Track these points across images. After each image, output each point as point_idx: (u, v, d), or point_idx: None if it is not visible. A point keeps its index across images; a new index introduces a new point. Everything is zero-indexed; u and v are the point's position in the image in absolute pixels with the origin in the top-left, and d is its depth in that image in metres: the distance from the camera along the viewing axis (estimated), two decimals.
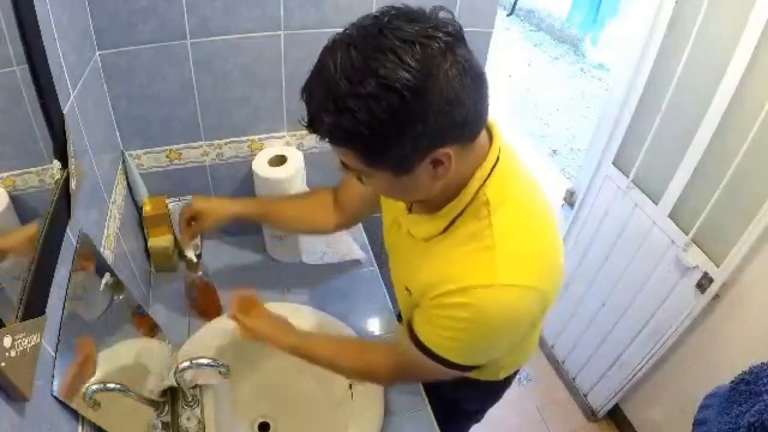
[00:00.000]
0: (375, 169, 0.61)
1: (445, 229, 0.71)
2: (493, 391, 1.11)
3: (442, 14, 0.58)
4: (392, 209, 0.85)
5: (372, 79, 0.52)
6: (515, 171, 0.72)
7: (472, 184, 0.67)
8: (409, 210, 0.79)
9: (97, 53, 0.97)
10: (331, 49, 0.57)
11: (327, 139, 0.59)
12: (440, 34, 0.54)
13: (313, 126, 0.58)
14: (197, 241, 1.29)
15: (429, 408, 1.03)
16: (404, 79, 0.52)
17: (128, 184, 1.16)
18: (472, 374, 0.98)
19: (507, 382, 1.08)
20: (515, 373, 1.07)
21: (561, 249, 0.75)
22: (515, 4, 5.24)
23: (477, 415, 1.22)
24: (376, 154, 0.58)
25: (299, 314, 1.13)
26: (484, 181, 0.67)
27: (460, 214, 0.69)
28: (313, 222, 1.04)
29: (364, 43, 0.54)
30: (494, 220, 0.67)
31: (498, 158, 0.68)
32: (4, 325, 0.46)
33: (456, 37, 0.56)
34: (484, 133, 0.67)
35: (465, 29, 0.60)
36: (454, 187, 0.68)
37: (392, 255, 0.90)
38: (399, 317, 1.14)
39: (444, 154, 0.59)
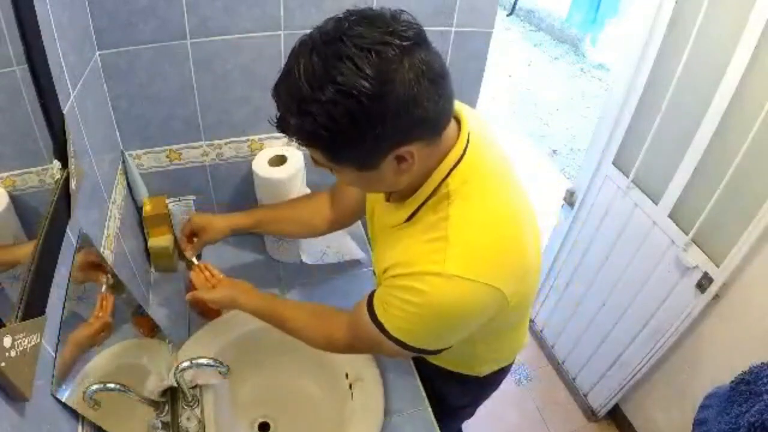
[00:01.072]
0: (340, 166, 0.65)
1: (409, 219, 0.73)
2: (480, 387, 1.10)
3: (404, 17, 0.59)
4: (372, 200, 0.88)
5: (331, 86, 0.55)
6: (485, 166, 0.72)
7: (435, 177, 0.69)
8: (387, 199, 0.81)
9: (97, 53, 0.97)
10: (296, 53, 0.59)
11: (294, 138, 0.62)
12: (397, 40, 0.56)
13: (281, 126, 0.62)
14: None
15: (429, 408, 1.03)
16: (361, 86, 0.54)
17: (128, 184, 1.16)
18: (449, 367, 1.00)
19: (494, 379, 1.08)
20: (502, 371, 1.07)
21: (528, 249, 0.73)
22: (515, 4, 5.23)
23: (466, 410, 1.22)
24: (338, 153, 0.62)
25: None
26: (447, 174, 0.69)
27: (422, 204, 0.71)
28: (309, 225, 1.07)
29: (324, 49, 0.56)
30: (451, 212, 0.68)
31: (465, 151, 0.69)
32: (4, 325, 0.46)
33: (415, 41, 0.57)
34: (453, 126, 0.69)
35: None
36: (422, 178, 0.70)
37: (371, 242, 0.94)
38: None
39: (406, 151, 0.62)
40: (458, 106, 0.70)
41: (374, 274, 0.91)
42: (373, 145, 0.60)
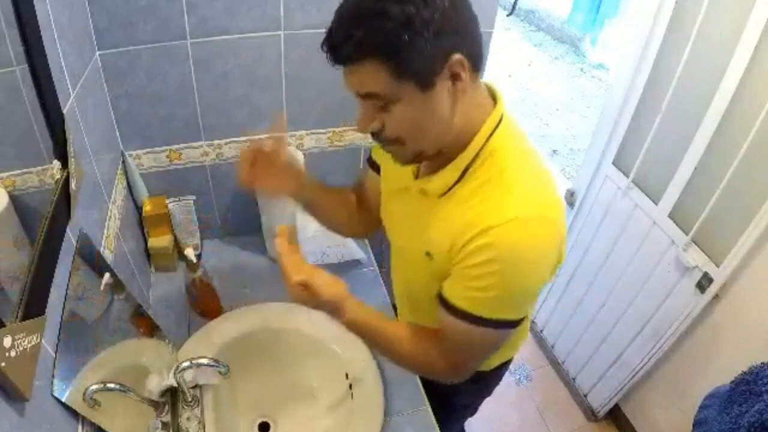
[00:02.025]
0: (402, 85, 0.64)
1: (458, 180, 0.74)
2: (486, 382, 1.11)
3: None
4: (395, 180, 0.86)
5: None
6: (518, 131, 0.76)
7: (480, 135, 0.72)
8: (416, 177, 0.81)
9: (97, 53, 0.97)
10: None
11: (357, 58, 0.63)
12: None
13: (342, 49, 0.63)
14: (197, 241, 1.29)
15: (429, 408, 1.03)
16: None
17: (128, 184, 1.16)
18: None
19: (498, 373, 1.09)
20: (505, 365, 1.08)
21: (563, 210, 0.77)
22: (515, 4, 5.23)
23: (470, 407, 1.22)
24: (405, 55, 0.62)
25: (298, 314, 1.13)
26: (492, 133, 0.72)
27: (471, 163, 0.73)
28: (335, 220, 1.02)
29: None
30: (504, 165, 0.71)
31: (502, 118, 0.73)
32: (4, 325, 0.46)
33: None
34: (488, 96, 0.74)
35: None
36: (463, 139, 0.72)
37: (397, 224, 0.89)
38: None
39: (458, 61, 0.64)
40: (495, 85, 0.76)
41: (415, 261, 0.81)
42: (434, 44, 0.61)
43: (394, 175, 0.87)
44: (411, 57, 0.62)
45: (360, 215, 1.02)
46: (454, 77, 0.65)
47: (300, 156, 1.21)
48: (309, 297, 0.75)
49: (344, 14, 0.64)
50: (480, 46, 0.68)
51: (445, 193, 0.75)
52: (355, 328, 0.81)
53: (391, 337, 0.82)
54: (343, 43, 0.63)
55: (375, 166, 0.96)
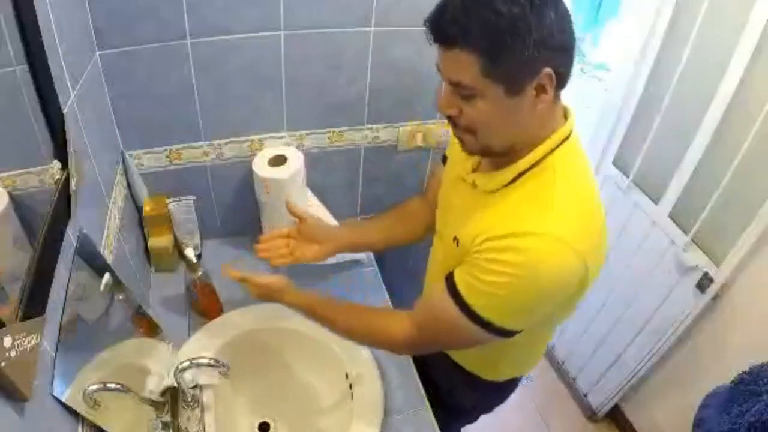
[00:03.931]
0: (490, 83, 0.65)
1: (511, 182, 0.75)
2: (492, 392, 1.10)
3: None
4: (456, 170, 0.88)
5: None
6: (581, 153, 0.78)
7: (543, 147, 0.73)
8: (474, 171, 0.83)
9: (97, 53, 0.97)
10: None
11: (458, 45, 0.63)
12: None
13: (446, 30, 0.64)
14: (197, 241, 1.29)
15: (429, 408, 1.03)
16: None
17: (128, 184, 1.15)
18: (472, 369, 0.99)
19: (506, 388, 1.08)
20: (515, 381, 1.07)
21: (606, 242, 0.78)
22: None
23: (471, 414, 1.21)
24: (502, 57, 0.63)
25: (299, 314, 1.13)
26: (555, 148, 0.73)
27: (526, 171, 0.74)
28: (413, 234, 1.08)
29: None
30: (558, 181, 0.72)
31: (570, 135, 0.74)
32: (4, 325, 0.46)
33: None
34: (561, 111, 0.75)
35: None
36: (528, 147, 0.73)
37: (445, 210, 0.92)
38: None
39: (548, 75, 0.65)
40: (569, 105, 0.77)
41: (446, 246, 0.85)
42: (532, 53, 0.62)
43: (457, 165, 0.89)
44: (507, 60, 0.63)
45: (428, 216, 1.04)
46: (540, 89, 0.67)
47: (300, 156, 1.20)
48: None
49: (457, 2, 0.63)
50: (571, 66, 0.69)
51: (493, 192, 0.77)
52: (305, 310, 0.93)
53: (341, 309, 0.91)
54: (449, 26, 0.63)
55: (446, 161, 0.98)
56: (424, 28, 0.67)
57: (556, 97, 0.71)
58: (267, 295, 0.96)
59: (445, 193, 0.93)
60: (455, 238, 0.80)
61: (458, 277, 0.75)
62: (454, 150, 0.90)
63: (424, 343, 0.85)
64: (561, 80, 0.68)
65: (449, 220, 0.88)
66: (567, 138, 0.74)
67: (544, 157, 0.73)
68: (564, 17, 0.64)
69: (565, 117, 0.76)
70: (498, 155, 0.75)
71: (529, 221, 0.69)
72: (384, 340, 0.89)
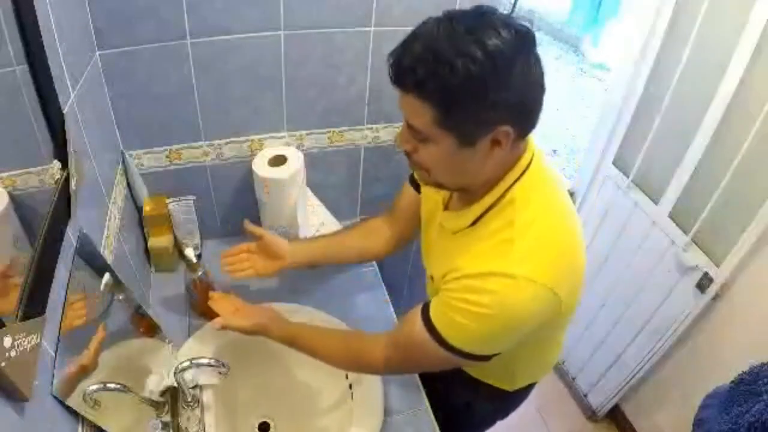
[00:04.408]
0: (443, 132, 0.66)
1: (473, 224, 0.77)
2: (506, 402, 1.11)
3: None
4: (429, 206, 0.91)
5: (473, 44, 0.60)
6: (543, 176, 0.76)
7: (502, 185, 0.73)
8: (445, 207, 0.85)
9: (97, 53, 0.97)
10: (428, 23, 0.64)
11: (412, 92, 0.64)
12: (531, 30, 0.64)
13: (403, 78, 0.65)
14: (197, 241, 1.29)
15: (429, 408, 1.03)
16: (500, 49, 0.60)
17: (128, 184, 1.15)
18: (489, 381, 0.99)
19: (524, 394, 1.09)
20: (531, 386, 1.08)
21: (583, 255, 0.77)
22: (515, 4, 5.23)
23: (490, 423, 1.21)
24: (453, 115, 0.64)
25: (299, 314, 1.13)
26: (514, 182, 0.73)
27: (488, 210, 0.75)
28: (370, 252, 1.11)
29: (465, 19, 0.62)
30: (517, 217, 0.72)
31: (530, 163, 0.74)
32: (4, 325, 0.46)
33: (535, 42, 0.64)
34: (522, 143, 0.73)
35: None
36: (488, 184, 0.74)
37: (425, 248, 0.96)
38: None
39: (504, 132, 0.65)
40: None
41: (427, 283, 0.91)
42: (488, 113, 0.63)
43: (430, 201, 0.92)
44: (460, 116, 0.64)
45: (393, 233, 1.08)
46: (495, 143, 0.67)
47: (300, 156, 1.20)
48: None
49: (417, 43, 0.63)
50: (535, 121, 0.68)
51: (458, 232, 0.80)
52: (287, 343, 0.95)
53: (316, 340, 0.94)
54: (405, 72, 0.64)
55: (416, 185, 1.01)
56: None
57: (516, 144, 0.70)
58: (254, 333, 0.97)
59: (425, 227, 0.96)
60: (431, 276, 0.86)
61: (432, 310, 0.77)
62: (427, 189, 0.93)
63: (401, 365, 0.89)
64: (522, 132, 0.69)
65: (428, 257, 0.94)
66: (528, 167, 0.74)
67: (503, 195, 0.74)
68: (532, 73, 0.64)
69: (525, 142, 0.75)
70: (450, 191, 0.79)
71: (493, 262, 0.70)
72: (358, 367, 0.94)
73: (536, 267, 0.69)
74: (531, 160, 0.74)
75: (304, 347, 0.94)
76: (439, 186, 0.78)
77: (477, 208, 0.76)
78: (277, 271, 1.07)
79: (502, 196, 0.73)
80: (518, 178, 0.73)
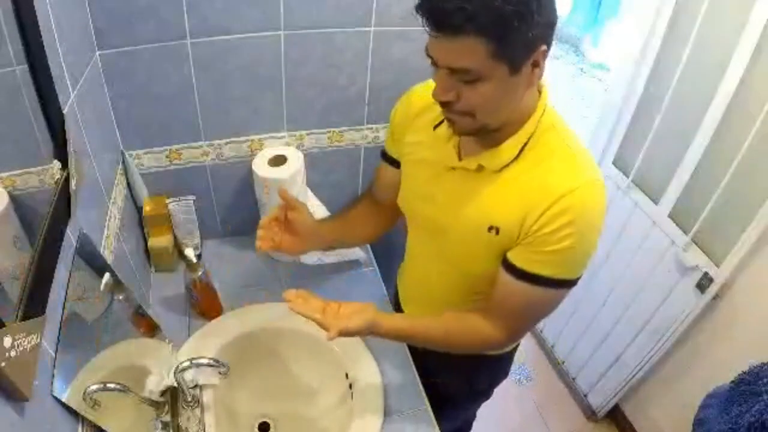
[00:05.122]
0: (496, 64, 0.66)
1: (518, 155, 0.78)
2: (501, 363, 1.13)
3: None
4: (434, 164, 0.87)
5: None
6: (557, 111, 0.82)
7: (537, 113, 0.77)
8: (459, 157, 0.84)
9: (97, 53, 0.97)
10: None
11: (463, 31, 0.62)
12: None
13: (450, 19, 0.62)
14: (197, 241, 1.29)
15: (429, 408, 1.03)
16: None
17: (128, 184, 1.16)
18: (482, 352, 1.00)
19: (510, 356, 1.12)
20: (515, 349, 1.11)
21: None
22: None
23: (487, 393, 1.23)
24: (509, 39, 0.63)
25: (299, 314, 1.13)
26: (544, 111, 0.77)
27: (530, 138, 0.77)
28: (371, 237, 1.11)
29: None
30: (563, 136, 0.78)
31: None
32: (4, 325, 0.46)
33: None
34: None
35: None
36: (518, 119, 0.76)
37: (445, 206, 0.87)
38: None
39: (543, 52, 0.67)
40: None
41: (474, 240, 0.83)
42: (533, 33, 0.64)
43: (430, 159, 0.88)
44: (514, 42, 0.64)
45: (385, 212, 1.05)
46: (535, 65, 0.69)
47: (300, 156, 1.20)
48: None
49: None
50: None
51: (502, 168, 0.79)
52: (393, 337, 0.89)
53: (432, 332, 0.89)
54: (453, 13, 0.62)
55: (390, 160, 0.98)
56: (421, 18, 0.65)
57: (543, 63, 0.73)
58: (365, 334, 0.86)
59: (430, 190, 0.88)
60: (491, 228, 0.80)
61: (526, 262, 0.78)
62: (417, 150, 0.90)
63: (524, 331, 0.94)
64: (549, 46, 0.70)
65: (454, 213, 0.85)
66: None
67: (539, 122, 0.77)
68: None
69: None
70: (489, 133, 0.77)
71: (565, 180, 0.74)
72: (487, 345, 0.92)
73: (594, 166, 0.77)
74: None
75: (420, 339, 0.91)
76: (481, 129, 0.75)
77: (520, 137, 0.77)
78: (297, 253, 0.98)
79: (540, 122, 0.76)
80: (546, 107, 0.77)
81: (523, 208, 0.76)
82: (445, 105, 0.73)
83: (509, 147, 0.77)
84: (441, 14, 0.63)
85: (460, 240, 0.86)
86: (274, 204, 1.20)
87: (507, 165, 0.78)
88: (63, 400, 0.61)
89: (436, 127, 0.86)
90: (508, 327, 0.86)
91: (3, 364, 0.45)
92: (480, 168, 0.80)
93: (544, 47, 0.67)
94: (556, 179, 0.74)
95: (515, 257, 0.79)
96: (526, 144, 0.77)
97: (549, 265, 0.77)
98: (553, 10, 0.67)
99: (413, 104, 0.91)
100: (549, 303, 0.83)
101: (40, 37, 0.63)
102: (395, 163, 0.98)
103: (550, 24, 0.66)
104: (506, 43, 0.64)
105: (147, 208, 1.17)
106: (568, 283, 0.80)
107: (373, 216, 1.06)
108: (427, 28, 0.65)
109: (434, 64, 0.70)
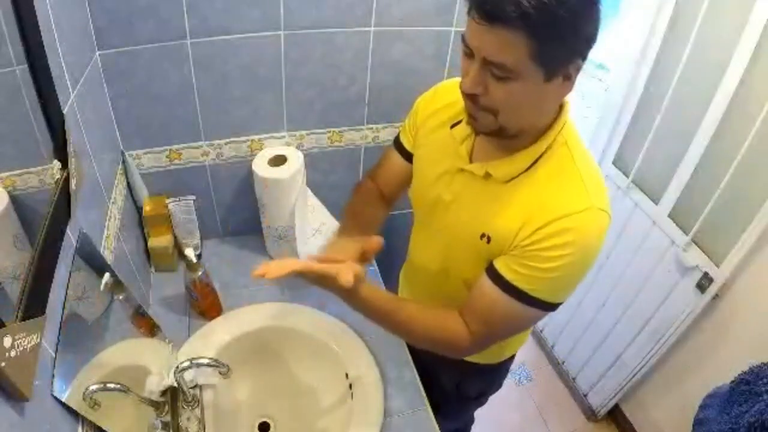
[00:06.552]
0: (534, 67, 0.64)
1: (528, 168, 0.76)
2: (493, 375, 1.13)
3: None
4: (444, 162, 0.86)
5: None
6: (575, 129, 0.80)
7: (555, 128, 0.75)
8: (470, 160, 0.83)
9: (97, 53, 0.97)
10: None
11: (510, 25, 0.60)
12: None
13: (502, 10, 0.60)
14: (197, 241, 1.29)
15: (429, 408, 1.03)
16: None
17: (128, 184, 1.16)
18: (476, 359, 1.00)
19: (504, 367, 1.11)
20: (510, 359, 1.10)
21: None
22: None
23: (479, 400, 1.22)
24: (553, 45, 0.62)
25: (299, 314, 1.13)
26: (563, 127, 0.76)
27: (543, 153, 0.75)
28: (383, 220, 1.05)
29: None
30: (576, 155, 0.75)
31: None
32: (4, 325, 0.46)
33: None
34: None
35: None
36: (538, 130, 0.75)
37: (451, 205, 0.86)
38: None
39: (576, 66, 0.66)
40: None
41: (470, 246, 0.81)
42: (576, 45, 0.64)
43: (443, 157, 0.86)
44: (557, 48, 0.63)
45: (386, 201, 1.04)
46: (567, 77, 0.67)
47: (300, 156, 1.20)
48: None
49: None
50: None
51: (511, 180, 0.77)
52: (373, 308, 0.82)
53: (403, 316, 0.83)
54: (507, 5, 0.59)
55: (401, 149, 0.97)
56: (468, 4, 0.63)
57: (573, 80, 0.71)
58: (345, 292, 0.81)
59: (439, 188, 0.87)
60: (483, 236, 0.79)
61: (510, 273, 0.75)
62: (431, 146, 0.89)
63: (490, 342, 0.86)
64: (583, 65, 0.69)
65: (456, 214, 0.85)
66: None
67: (555, 138, 0.75)
68: (600, 10, 0.65)
69: None
70: (506, 137, 0.74)
71: (571, 200, 0.72)
72: (450, 347, 0.85)
73: (602, 195, 0.73)
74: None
75: (384, 321, 0.84)
76: (499, 131, 0.73)
77: (533, 151, 0.75)
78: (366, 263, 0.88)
79: (555, 139, 0.75)
80: (565, 123, 0.75)
81: (520, 220, 0.74)
82: (470, 98, 0.70)
83: (521, 158, 0.76)
84: (494, 4, 0.60)
85: (454, 242, 0.87)
86: (274, 204, 1.20)
87: (515, 177, 0.77)
88: (63, 400, 0.61)
89: (453, 126, 0.84)
90: (473, 332, 0.81)
91: (3, 364, 0.45)
92: (487, 176, 0.79)
93: (579, 61, 0.65)
94: (560, 199, 0.72)
95: (502, 265, 0.76)
96: (538, 159, 0.75)
97: (530, 280, 0.74)
98: (597, 28, 0.65)
99: (439, 98, 0.91)
100: (519, 318, 0.78)
101: (40, 37, 0.63)
102: (405, 154, 0.97)
103: (590, 39, 0.65)
104: (549, 48, 0.62)
105: (147, 208, 1.17)
106: (543, 305, 0.76)
107: (381, 209, 1.05)
108: (473, 15, 0.63)
109: (468, 54, 0.67)
